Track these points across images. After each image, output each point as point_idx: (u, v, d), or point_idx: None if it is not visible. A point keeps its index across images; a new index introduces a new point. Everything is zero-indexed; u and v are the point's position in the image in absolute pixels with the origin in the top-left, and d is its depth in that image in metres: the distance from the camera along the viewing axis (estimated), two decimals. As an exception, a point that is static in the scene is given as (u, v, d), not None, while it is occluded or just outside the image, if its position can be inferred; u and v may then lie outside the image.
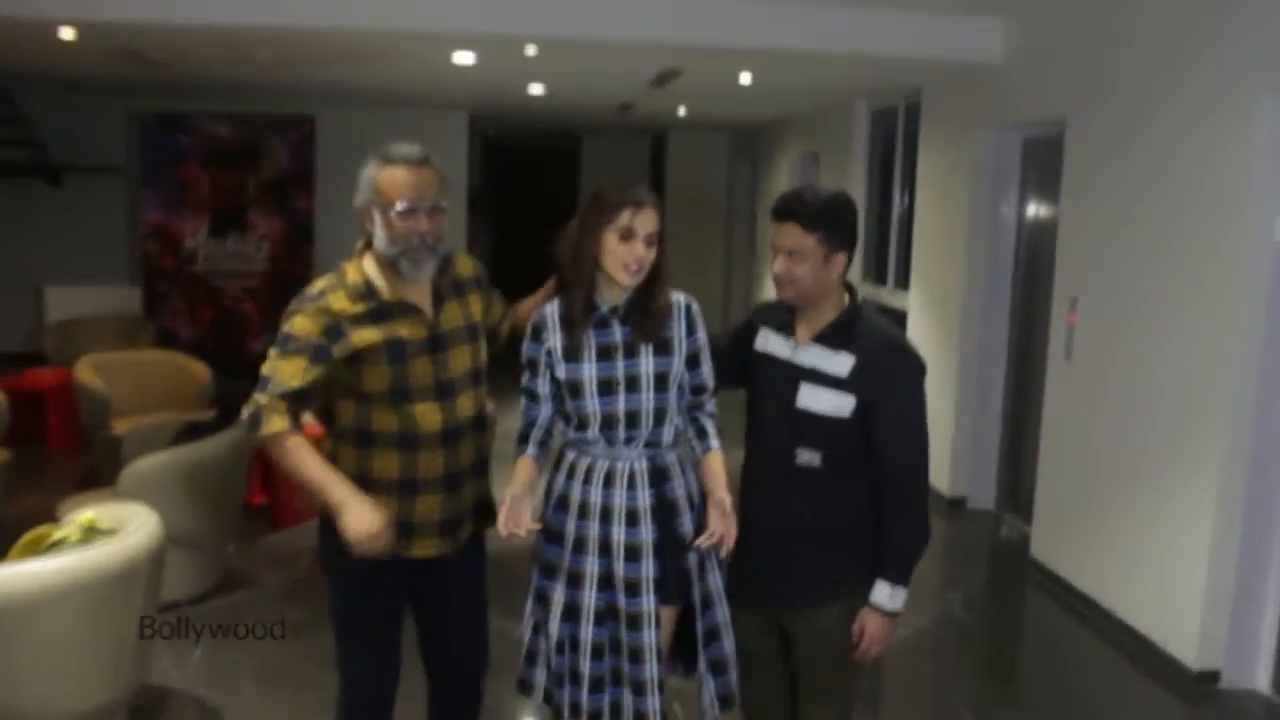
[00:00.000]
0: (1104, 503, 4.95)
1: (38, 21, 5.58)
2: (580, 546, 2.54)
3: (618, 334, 2.52)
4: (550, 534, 2.59)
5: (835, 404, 2.49)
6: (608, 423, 2.51)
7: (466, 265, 2.79)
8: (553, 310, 2.56)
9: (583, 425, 2.53)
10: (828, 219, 2.48)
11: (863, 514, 2.54)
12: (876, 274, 8.35)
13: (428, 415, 2.60)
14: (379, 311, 2.56)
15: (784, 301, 2.60)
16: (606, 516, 2.52)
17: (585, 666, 2.54)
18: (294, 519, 5.72)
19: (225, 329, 10.01)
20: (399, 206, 2.52)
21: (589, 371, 2.50)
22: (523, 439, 2.61)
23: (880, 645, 2.56)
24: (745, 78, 7.34)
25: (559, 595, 2.56)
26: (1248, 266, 4.08)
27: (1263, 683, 4.27)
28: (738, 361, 2.71)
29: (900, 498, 2.52)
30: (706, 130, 12.96)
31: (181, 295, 9.93)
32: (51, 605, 3.01)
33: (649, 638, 2.50)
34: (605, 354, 2.51)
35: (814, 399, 2.51)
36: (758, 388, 2.67)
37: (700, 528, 2.53)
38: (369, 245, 2.62)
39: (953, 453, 6.51)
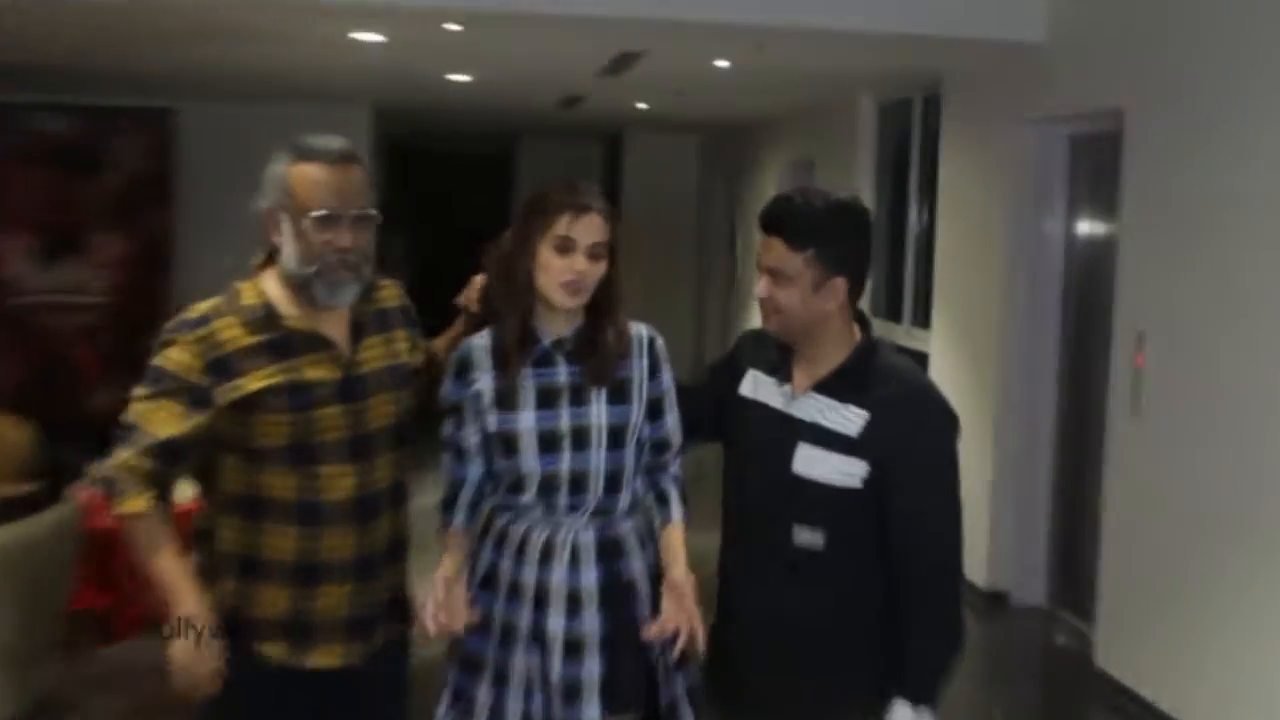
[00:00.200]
0: (1192, 595, 4.92)
1: None
2: (509, 637, 2.53)
3: (563, 375, 2.54)
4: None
5: (842, 470, 2.47)
6: (547, 485, 2.51)
7: (393, 293, 2.82)
8: (483, 343, 2.55)
9: (516, 488, 2.53)
10: (822, 233, 2.47)
11: (876, 610, 2.52)
12: (889, 309, 8.41)
13: (336, 481, 2.58)
14: (280, 344, 2.56)
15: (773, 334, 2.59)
16: (541, 600, 2.52)
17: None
18: (136, 628, 5.57)
19: (54, 380, 9.82)
20: (315, 214, 2.51)
21: (527, 422, 2.51)
22: (448, 505, 2.62)
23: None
24: (722, 63, 7.37)
25: (483, 697, 2.56)
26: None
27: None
28: (715, 406, 2.69)
29: (924, 594, 2.50)
30: (672, 132, 13.11)
31: (-3, 336, 9.79)
32: None
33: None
34: (547, 399, 2.53)
35: (815, 464, 2.49)
36: (743, 446, 2.65)
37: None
38: (271, 260, 2.61)
39: (991, 534, 6.49)
